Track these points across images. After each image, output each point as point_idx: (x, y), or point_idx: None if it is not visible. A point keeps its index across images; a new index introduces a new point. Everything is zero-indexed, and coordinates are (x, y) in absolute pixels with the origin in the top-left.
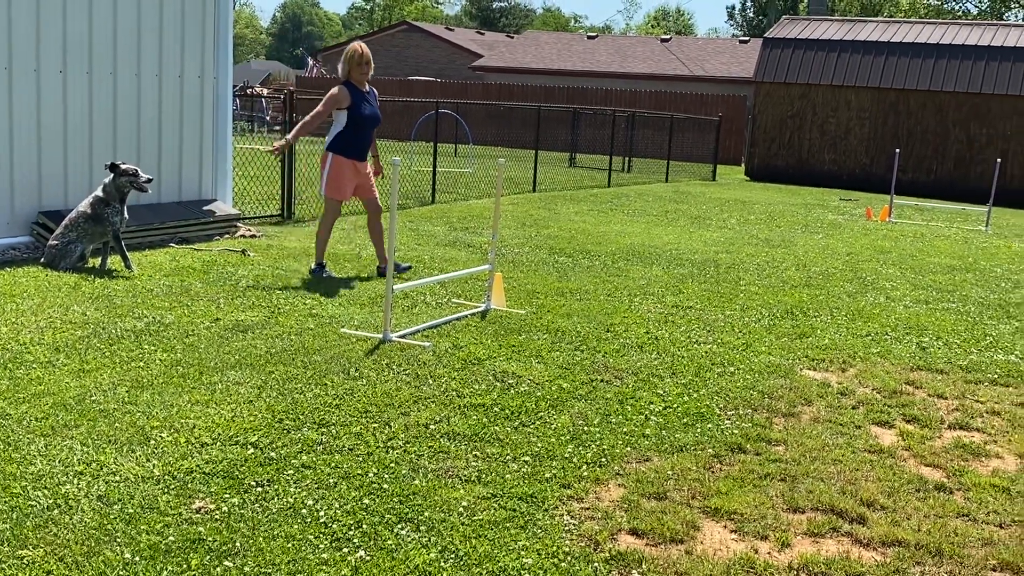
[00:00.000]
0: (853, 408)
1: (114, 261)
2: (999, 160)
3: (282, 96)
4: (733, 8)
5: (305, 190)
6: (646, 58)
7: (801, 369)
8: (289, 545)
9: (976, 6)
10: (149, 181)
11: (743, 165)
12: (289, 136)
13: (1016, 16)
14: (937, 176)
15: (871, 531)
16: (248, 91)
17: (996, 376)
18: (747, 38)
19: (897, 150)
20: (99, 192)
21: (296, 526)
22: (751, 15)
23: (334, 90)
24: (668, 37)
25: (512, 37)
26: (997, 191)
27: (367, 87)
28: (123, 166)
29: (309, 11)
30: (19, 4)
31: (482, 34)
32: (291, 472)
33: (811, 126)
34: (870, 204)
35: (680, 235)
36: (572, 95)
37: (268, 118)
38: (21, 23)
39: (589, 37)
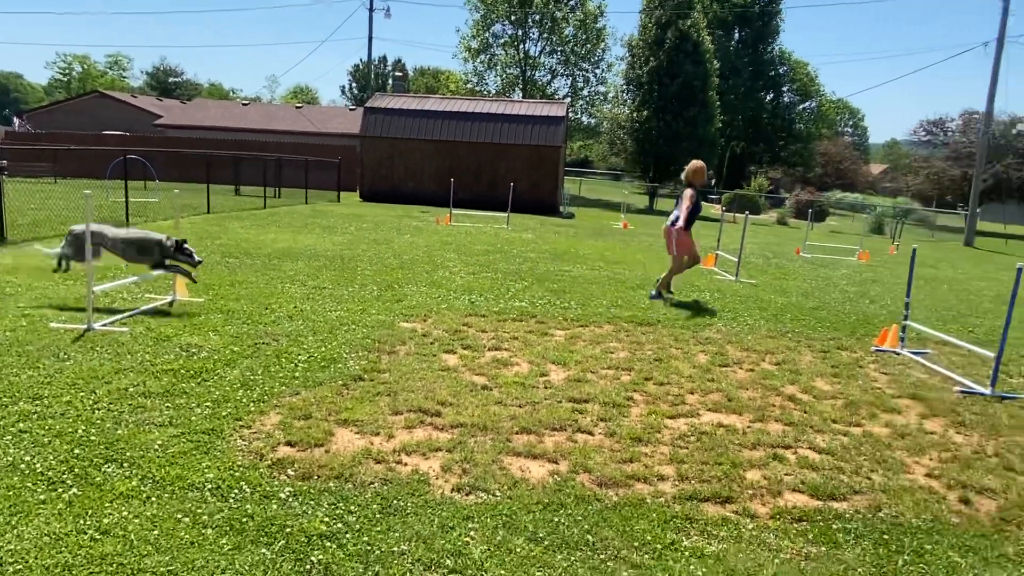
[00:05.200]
0: (431, 344)
1: None
2: (512, 183)
3: None
4: (343, 87)
5: (16, 218)
6: (286, 119)
7: (399, 322)
8: (10, 493)
9: (495, 88)
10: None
11: (358, 191)
12: None
13: (519, 95)
14: (479, 194)
15: (444, 420)
16: None
17: (515, 316)
18: (354, 107)
19: (452, 179)
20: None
21: (16, 478)
22: (356, 91)
23: None
24: (300, 105)
25: (185, 103)
26: (513, 203)
27: None
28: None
29: (15, 81)
30: None
31: (161, 100)
32: (9, 437)
33: (399, 164)
34: (439, 214)
35: (317, 239)
36: (234, 145)
37: None
38: None
39: (243, 104)
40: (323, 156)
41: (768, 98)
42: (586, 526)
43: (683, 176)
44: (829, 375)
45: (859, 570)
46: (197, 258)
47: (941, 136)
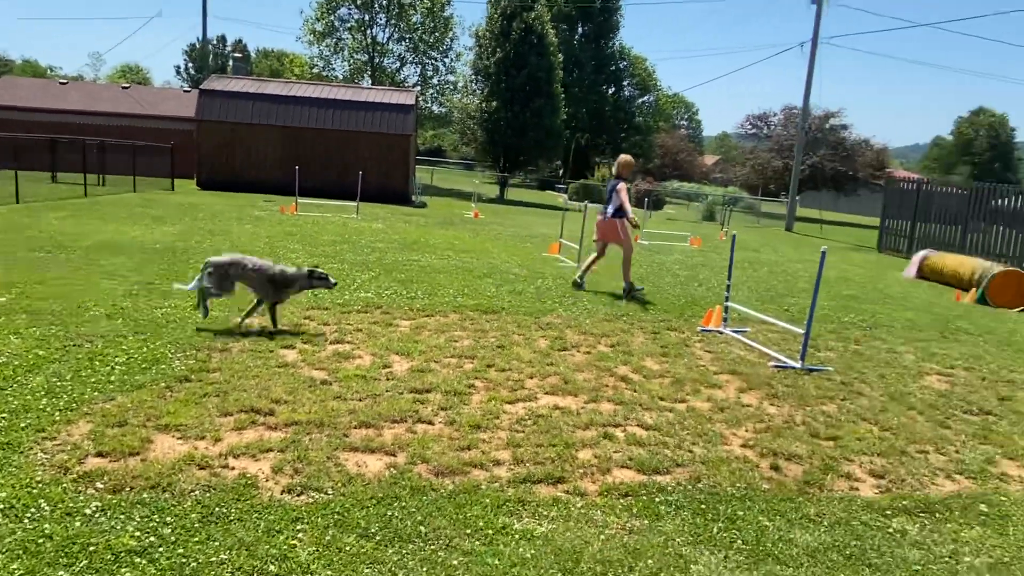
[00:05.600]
0: (270, 339)
1: None
2: (361, 172)
3: None
4: (178, 67)
5: None
6: (111, 100)
7: (233, 317)
8: None
9: (343, 74)
10: None
11: (195, 179)
12: None
13: (367, 82)
14: (327, 183)
15: (277, 418)
16: None
17: (360, 307)
18: (190, 89)
19: (297, 167)
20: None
21: None
22: (193, 72)
23: None
24: (128, 86)
25: None
26: (363, 192)
27: None
28: None
29: None
30: None
31: None
32: None
33: (241, 151)
34: (284, 204)
35: (145, 231)
36: (50, 128)
37: None
38: None
39: (61, 83)
40: (154, 141)
41: (610, 91)
42: (419, 517)
43: (614, 169)
44: (659, 355)
45: (677, 540)
46: (332, 280)
47: (765, 129)
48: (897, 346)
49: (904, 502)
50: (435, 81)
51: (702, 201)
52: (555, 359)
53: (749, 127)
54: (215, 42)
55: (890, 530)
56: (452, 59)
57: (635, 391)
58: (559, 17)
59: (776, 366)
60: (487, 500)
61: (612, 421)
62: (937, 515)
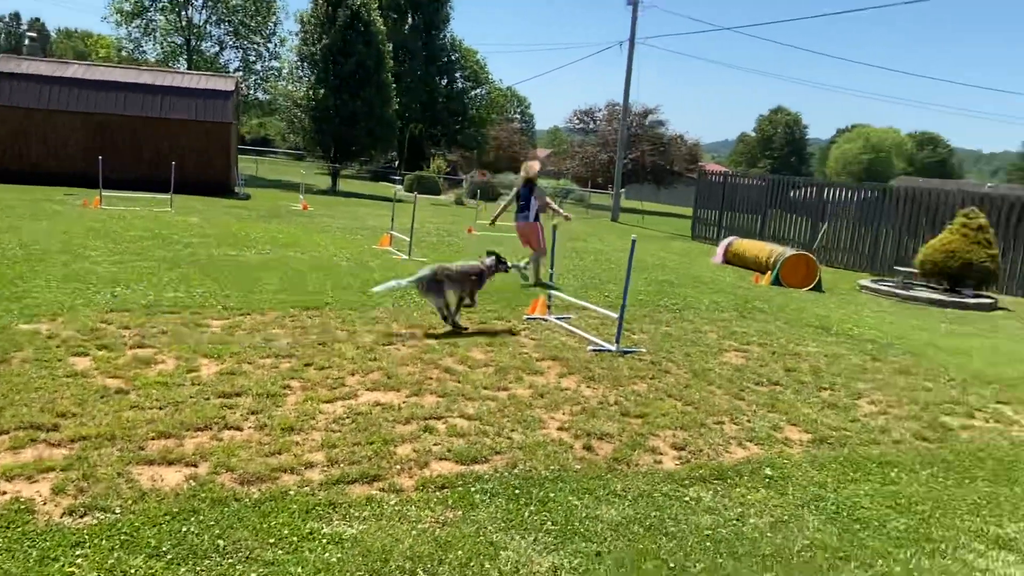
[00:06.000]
0: (57, 347)
1: None
2: (174, 163)
3: None
4: None
5: None
6: None
7: (16, 324)
8: None
9: (156, 58)
10: None
11: None
12: None
13: (183, 65)
14: (139, 174)
15: (63, 434)
16: None
17: (167, 308)
18: None
19: (100, 157)
20: None
21: None
22: None
23: None
24: None
25: None
26: (179, 183)
27: None
28: None
29: None
30: None
31: None
32: None
33: (37, 139)
34: (87, 197)
35: None
36: None
37: None
38: None
39: None
40: None
41: (443, 83)
42: (218, 531)
43: (524, 174)
44: (484, 345)
45: (489, 527)
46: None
47: (591, 124)
48: (702, 326)
49: (701, 471)
50: (259, 67)
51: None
52: (379, 354)
53: (577, 122)
54: (7, 19)
55: (686, 499)
56: (276, 44)
57: (459, 382)
58: (389, 6)
59: (594, 350)
60: (295, 506)
61: (434, 414)
62: (728, 481)
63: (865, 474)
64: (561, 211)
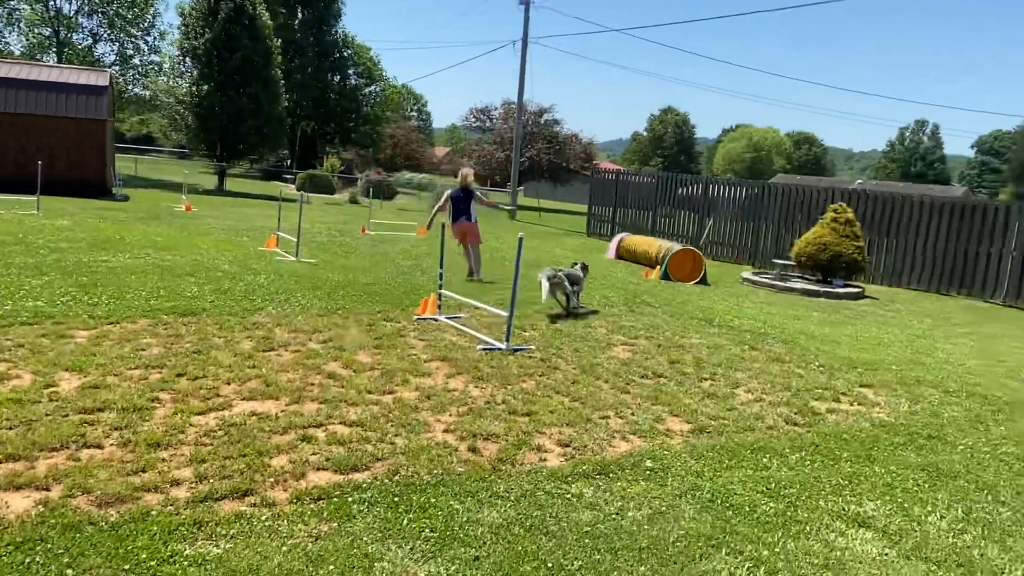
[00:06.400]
0: None
1: None
2: (40, 163)
3: None
4: None
5: None
6: None
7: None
8: None
9: (20, 50)
10: None
11: None
12: None
13: (52, 59)
14: (2, 175)
15: None
16: None
17: (26, 319)
18: None
19: None
20: None
21: None
22: None
23: None
24: None
25: None
26: (48, 184)
27: None
28: None
29: None
30: None
31: None
32: None
33: None
34: None
35: None
36: None
37: None
38: None
39: None
40: None
41: (336, 80)
42: (68, 559)
43: (462, 181)
44: (372, 347)
45: (365, 538)
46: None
47: (488, 123)
48: (593, 321)
49: (584, 467)
50: (137, 61)
51: (432, 192)
52: (258, 361)
53: (473, 120)
54: None
55: (569, 496)
56: (156, 38)
57: (343, 387)
58: (277, 0)
59: (484, 349)
60: (156, 528)
61: (314, 422)
62: (610, 475)
63: (739, 461)
64: (500, 205)
